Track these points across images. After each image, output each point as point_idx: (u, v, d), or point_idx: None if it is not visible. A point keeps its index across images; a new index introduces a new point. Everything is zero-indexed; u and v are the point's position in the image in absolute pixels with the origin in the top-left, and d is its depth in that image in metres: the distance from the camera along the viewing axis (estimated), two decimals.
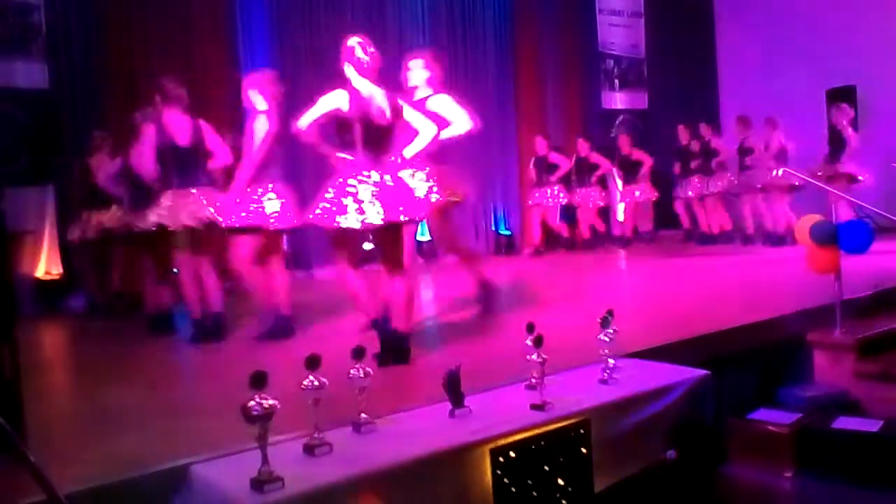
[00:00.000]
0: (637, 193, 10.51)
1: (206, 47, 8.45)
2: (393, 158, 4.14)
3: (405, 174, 4.55)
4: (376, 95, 4.00)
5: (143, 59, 7.94)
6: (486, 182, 10.80)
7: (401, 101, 4.11)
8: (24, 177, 7.41)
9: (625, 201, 10.61)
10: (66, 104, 7.79)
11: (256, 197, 4.88)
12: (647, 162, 10.52)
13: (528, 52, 11.23)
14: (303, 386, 2.57)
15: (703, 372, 3.47)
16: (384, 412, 2.98)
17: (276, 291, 5.09)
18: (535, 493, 2.79)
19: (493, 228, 11.00)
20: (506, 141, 10.90)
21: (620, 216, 11.60)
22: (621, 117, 12.39)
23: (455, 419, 2.95)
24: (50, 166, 7.57)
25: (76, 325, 6.81)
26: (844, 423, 3.63)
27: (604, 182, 10.54)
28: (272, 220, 4.89)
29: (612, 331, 3.44)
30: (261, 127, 4.85)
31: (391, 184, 3.96)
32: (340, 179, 3.93)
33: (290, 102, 8.67)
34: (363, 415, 2.84)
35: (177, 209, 4.98)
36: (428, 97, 5.04)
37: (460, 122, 4.54)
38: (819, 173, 8.08)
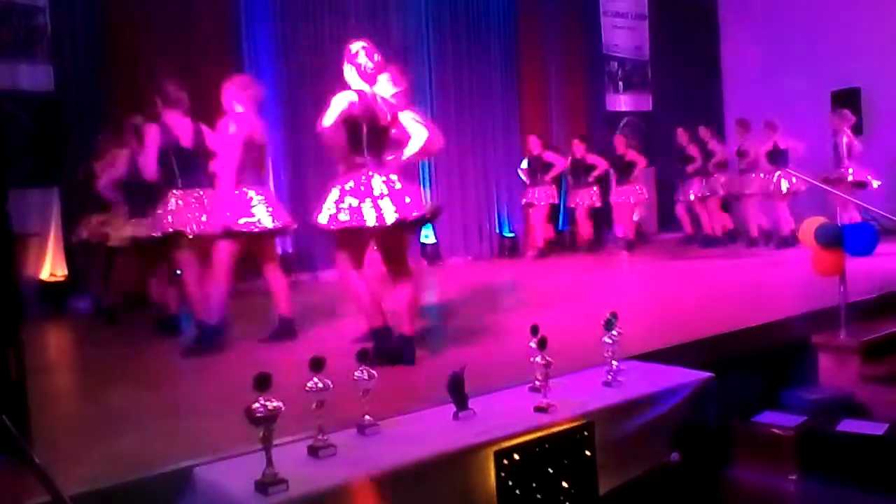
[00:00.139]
0: (631, 194, 10.45)
1: (209, 49, 8.46)
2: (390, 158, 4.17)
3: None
4: (378, 98, 4.05)
5: (147, 61, 7.94)
6: (489, 184, 10.80)
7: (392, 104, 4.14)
8: (29, 179, 7.42)
9: (617, 202, 10.51)
10: (71, 107, 7.81)
11: (244, 202, 4.81)
12: (641, 163, 10.48)
13: (532, 54, 11.23)
14: (307, 388, 2.58)
15: (707, 374, 3.46)
16: (388, 414, 2.98)
17: (277, 294, 5.08)
18: (538, 496, 2.79)
19: (497, 230, 10.99)
20: (510, 143, 10.89)
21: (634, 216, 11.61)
22: (625, 119, 12.38)
23: (459, 421, 2.95)
24: (55, 168, 7.58)
25: (81, 327, 6.82)
26: (849, 426, 3.62)
27: (602, 183, 10.46)
28: (260, 224, 4.81)
29: (615, 333, 3.43)
30: (231, 130, 4.80)
31: (399, 184, 3.99)
32: (352, 180, 3.93)
33: (292, 103, 8.82)
34: (367, 417, 2.85)
35: (184, 212, 4.98)
36: None
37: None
38: (827, 178, 8.09)
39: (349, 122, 3.94)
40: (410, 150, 4.18)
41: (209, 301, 4.89)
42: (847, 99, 10.31)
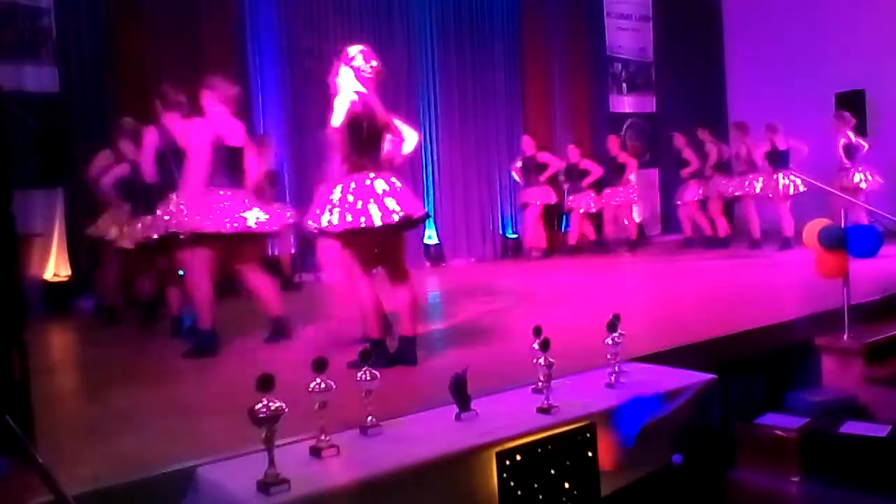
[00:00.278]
0: (620, 196, 10.39)
1: (214, 51, 8.48)
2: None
3: None
4: (375, 100, 4.06)
5: (152, 62, 7.97)
6: (492, 185, 10.80)
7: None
8: (33, 180, 7.44)
9: (608, 204, 10.42)
10: (76, 108, 7.83)
11: (215, 203, 4.72)
12: (632, 165, 10.47)
13: (535, 56, 11.22)
14: (310, 388, 2.58)
15: (710, 376, 3.46)
16: (391, 415, 2.99)
17: (263, 297, 5.01)
18: (541, 497, 2.79)
19: (500, 232, 10.99)
20: (513, 144, 10.88)
21: (636, 218, 11.60)
22: (629, 121, 12.38)
23: (461, 422, 2.95)
24: (59, 169, 7.60)
25: (84, 327, 6.83)
26: (852, 427, 3.62)
27: (598, 187, 10.40)
28: (229, 227, 4.71)
29: (618, 334, 3.43)
30: (200, 130, 4.78)
31: (399, 184, 4.01)
32: (354, 181, 3.93)
33: (295, 106, 8.83)
34: (370, 417, 2.85)
35: (185, 212, 4.98)
36: None
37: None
38: (841, 186, 8.13)
39: (352, 122, 3.95)
40: (405, 150, 4.20)
41: (196, 306, 4.87)
42: (851, 101, 10.30)
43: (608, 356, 3.41)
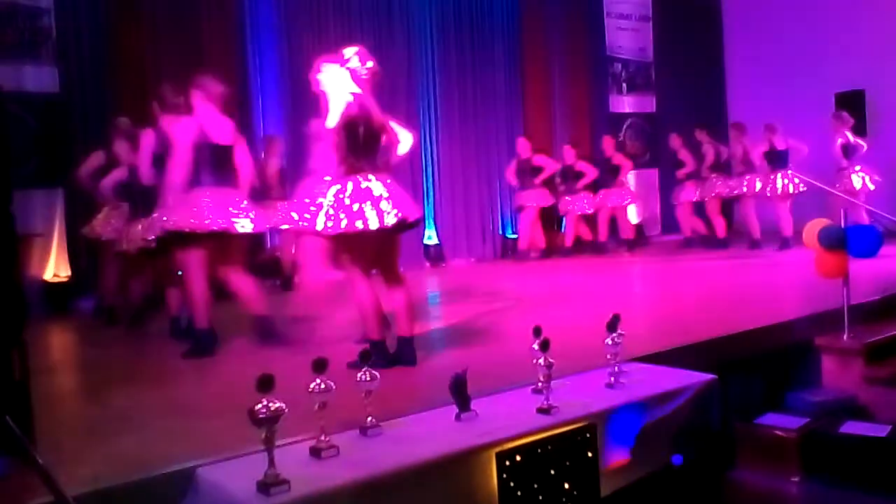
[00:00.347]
0: (615, 197, 10.36)
1: (214, 50, 8.48)
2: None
3: None
4: (371, 101, 4.05)
5: (152, 62, 7.97)
6: (492, 185, 10.80)
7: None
8: (33, 180, 7.44)
9: (603, 205, 10.37)
10: (76, 108, 7.83)
11: (197, 202, 4.68)
12: (627, 166, 10.44)
13: (535, 56, 11.22)
14: (310, 389, 2.58)
15: (710, 376, 3.46)
16: (390, 415, 2.99)
17: (246, 298, 4.95)
18: (540, 497, 2.79)
19: (500, 232, 10.99)
20: (513, 144, 10.86)
21: (633, 219, 11.59)
22: (629, 121, 12.38)
23: (461, 423, 2.96)
24: (59, 170, 7.60)
25: (84, 327, 6.83)
26: (852, 427, 3.62)
27: (593, 188, 10.34)
28: (206, 225, 4.66)
29: (618, 335, 3.43)
30: (182, 129, 4.76)
31: (395, 187, 4.01)
32: (350, 183, 3.92)
33: (296, 107, 8.83)
34: (370, 418, 2.85)
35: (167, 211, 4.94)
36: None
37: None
38: (833, 182, 8.13)
39: (348, 124, 3.94)
40: (401, 151, 4.20)
41: (192, 306, 4.86)
42: (851, 101, 10.30)
43: (608, 356, 3.41)
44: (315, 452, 2.62)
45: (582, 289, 7.23)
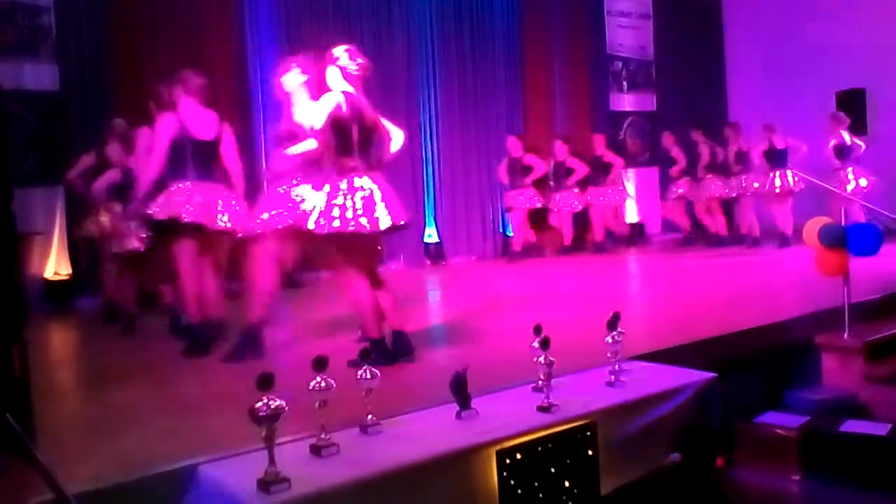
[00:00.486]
0: (606, 195, 10.34)
1: (214, 50, 8.48)
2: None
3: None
4: (363, 100, 4.04)
5: (152, 60, 7.96)
6: (493, 184, 10.79)
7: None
8: (33, 178, 7.44)
9: (594, 203, 10.33)
10: (76, 106, 7.83)
11: (176, 195, 4.67)
12: (619, 164, 10.41)
13: (536, 54, 11.22)
14: (310, 387, 2.58)
15: (710, 375, 3.46)
16: (391, 413, 2.99)
17: (208, 294, 4.88)
18: (541, 495, 2.79)
19: (501, 230, 10.99)
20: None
21: (633, 217, 11.58)
22: (629, 119, 12.38)
23: (461, 421, 2.96)
24: (59, 167, 7.60)
25: (85, 325, 6.84)
26: (852, 426, 3.62)
27: (583, 186, 10.30)
28: (165, 217, 4.66)
29: (618, 333, 3.43)
30: (160, 125, 4.75)
31: (387, 188, 4.00)
32: (343, 183, 3.91)
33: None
34: (370, 416, 2.85)
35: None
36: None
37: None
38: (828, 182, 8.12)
39: (337, 124, 3.91)
40: (392, 149, 4.19)
41: (184, 301, 4.85)
42: (851, 99, 10.31)
43: (608, 354, 3.41)
44: (315, 450, 2.62)
45: (582, 287, 7.23)
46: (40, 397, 2.85)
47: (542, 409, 3.00)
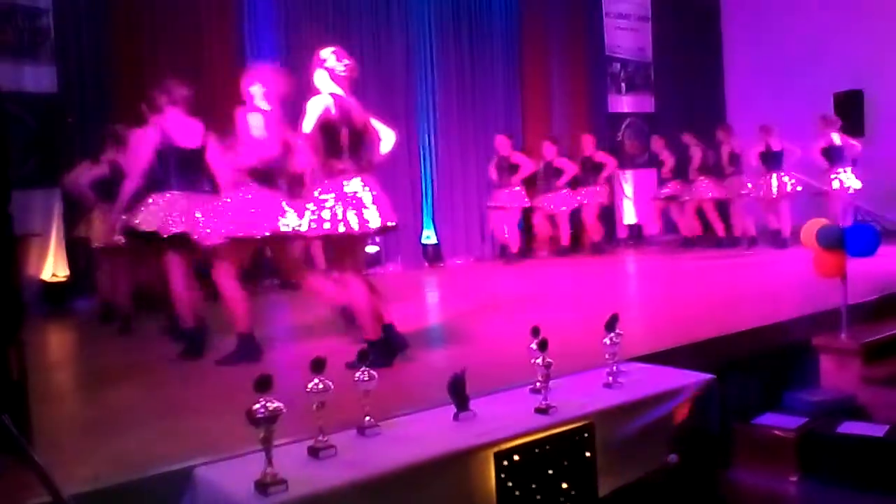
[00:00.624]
0: (591, 196, 10.25)
1: (214, 50, 8.48)
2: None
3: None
4: (352, 101, 4.04)
5: (151, 62, 7.97)
6: (491, 186, 10.78)
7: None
8: (31, 180, 7.44)
9: (582, 204, 10.25)
10: (75, 108, 7.83)
11: (161, 204, 4.71)
12: (611, 165, 10.37)
13: (534, 55, 11.23)
14: (308, 389, 2.58)
15: (708, 376, 3.46)
16: (389, 415, 2.99)
17: (180, 299, 4.85)
18: (538, 497, 2.79)
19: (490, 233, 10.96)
20: (512, 144, 10.86)
21: (631, 219, 11.58)
22: (627, 121, 12.39)
23: (459, 422, 2.95)
24: (58, 169, 7.60)
25: (82, 327, 6.83)
26: (850, 427, 3.62)
27: (573, 186, 10.19)
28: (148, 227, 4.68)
29: (616, 334, 3.43)
30: (142, 135, 4.78)
31: (376, 190, 3.99)
32: (332, 186, 3.91)
33: (294, 105, 8.80)
34: (368, 418, 2.85)
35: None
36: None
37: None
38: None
39: (327, 126, 3.91)
40: (383, 150, 4.19)
41: (176, 306, 4.85)
42: (849, 101, 10.32)
43: (606, 356, 3.41)
44: (313, 452, 2.61)
45: (580, 288, 7.24)
46: (38, 398, 2.84)
47: (539, 410, 3.00)
